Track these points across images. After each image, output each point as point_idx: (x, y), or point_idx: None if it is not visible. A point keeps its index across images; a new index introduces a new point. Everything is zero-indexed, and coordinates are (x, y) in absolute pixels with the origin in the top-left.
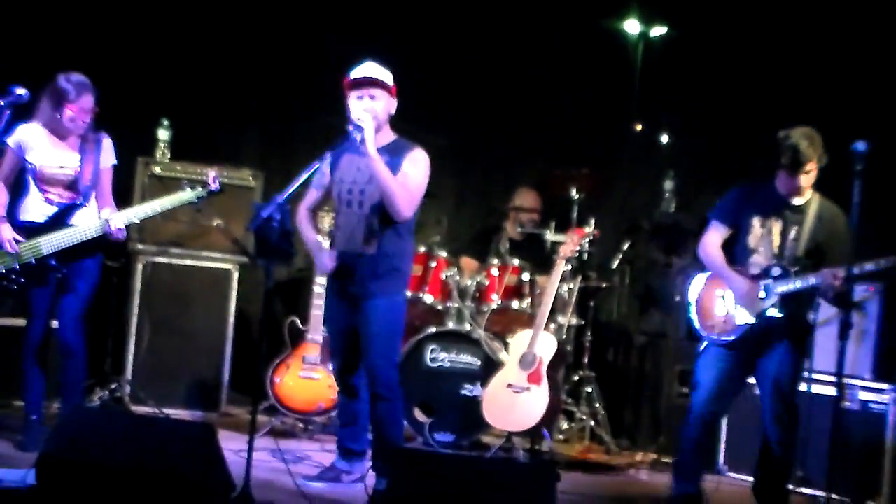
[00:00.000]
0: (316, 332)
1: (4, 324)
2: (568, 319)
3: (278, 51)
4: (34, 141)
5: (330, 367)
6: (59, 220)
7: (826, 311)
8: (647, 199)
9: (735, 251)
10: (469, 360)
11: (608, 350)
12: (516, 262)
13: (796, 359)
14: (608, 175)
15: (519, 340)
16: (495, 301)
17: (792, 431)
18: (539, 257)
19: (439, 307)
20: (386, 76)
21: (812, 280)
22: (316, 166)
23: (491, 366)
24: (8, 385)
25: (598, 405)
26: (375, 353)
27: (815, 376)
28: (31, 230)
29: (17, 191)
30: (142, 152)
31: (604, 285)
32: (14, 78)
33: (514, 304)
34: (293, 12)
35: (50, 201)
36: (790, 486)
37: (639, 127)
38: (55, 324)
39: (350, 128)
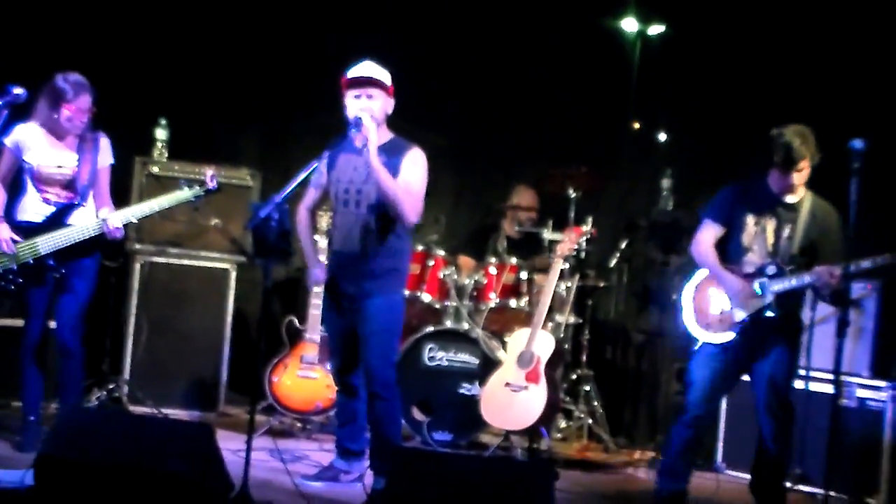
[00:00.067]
0: (314, 331)
1: (2, 324)
2: (566, 318)
3: (276, 50)
4: (32, 141)
5: (328, 366)
6: (57, 220)
7: (823, 309)
8: (644, 197)
9: (729, 250)
10: (467, 358)
11: (606, 348)
12: (514, 260)
13: (791, 356)
14: (606, 173)
15: (517, 339)
16: (493, 300)
17: (787, 429)
18: (537, 255)
19: (437, 306)
20: (383, 75)
21: (807, 278)
22: (314, 166)
23: (489, 364)
24: (6, 385)
25: (596, 404)
26: (373, 353)
27: (812, 374)
28: (28, 230)
29: (15, 191)
30: (139, 152)
31: (602, 284)
32: (11, 77)
33: (512, 303)
34: (292, 11)
35: (47, 201)
36: (788, 484)
37: (636, 125)
38: (53, 324)
39: (352, 130)
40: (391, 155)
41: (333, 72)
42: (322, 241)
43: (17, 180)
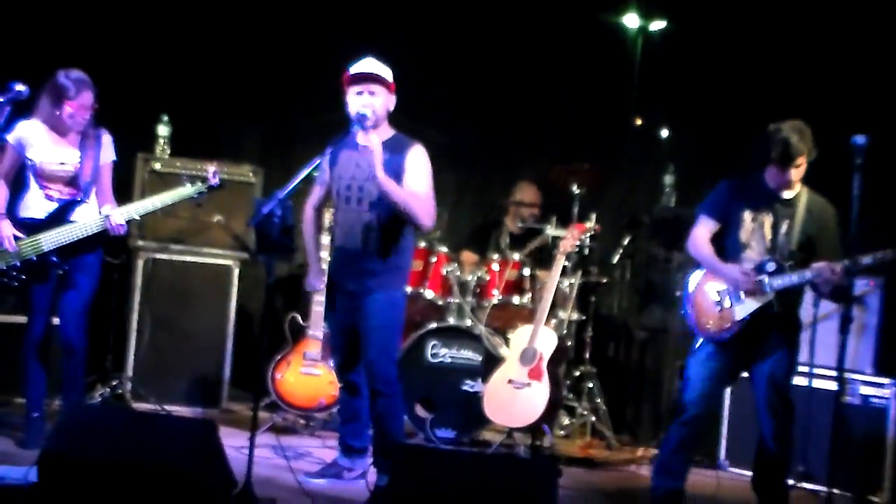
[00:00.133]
0: (317, 328)
1: (5, 321)
2: (569, 314)
3: (279, 47)
4: (34, 137)
5: (331, 363)
6: (60, 217)
7: (827, 306)
8: (647, 193)
9: (726, 246)
10: (470, 355)
11: (609, 345)
12: (517, 256)
13: (790, 354)
14: (608, 170)
15: (520, 336)
16: (496, 296)
17: (788, 427)
18: (539, 252)
19: (440, 302)
20: (385, 72)
21: (808, 274)
22: (317, 162)
23: (492, 361)
24: (9, 382)
25: (599, 400)
26: (374, 349)
27: (816, 371)
28: (31, 227)
29: (18, 187)
30: (142, 148)
31: (604, 280)
32: (14, 74)
33: (515, 300)
34: (294, 9)
35: (50, 198)
36: (791, 482)
37: (639, 122)
38: (56, 320)
39: (354, 126)
40: (393, 152)
41: (335, 69)
42: (327, 239)
43: (19, 177)
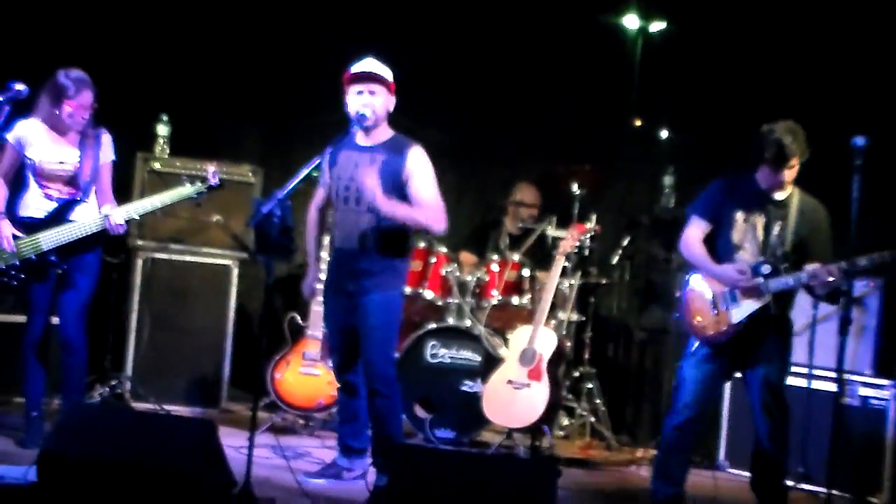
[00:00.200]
0: (316, 328)
1: (5, 320)
2: (568, 315)
3: (278, 47)
4: (33, 137)
5: (330, 363)
6: (59, 216)
7: (826, 307)
8: (646, 194)
9: (718, 247)
10: (469, 356)
11: (608, 346)
12: (516, 257)
13: (783, 355)
14: (608, 171)
15: (519, 336)
16: (495, 297)
17: (784, 427)
18: (539, 253)
19: (439, 303)
20: (386, 72)
21: (804, 276)
22: (316, 162)
23: (491, 362)
24: (8, 382)
25: (598, 401)
26: (372, 349)
27: (815, 372)
28: (30, 226)
29: (17, 187)
30: (141, 148)
31: (604, 281)
32: (13, 74)
33: (515, 300)
34: (294, 9)
35: (49, 197)
36: (791, 483)
37: (638, 122)
38: (56, 320)
39: (354, 126)
40: (392, 153)
41: (335, 69)
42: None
43: (18, 176)
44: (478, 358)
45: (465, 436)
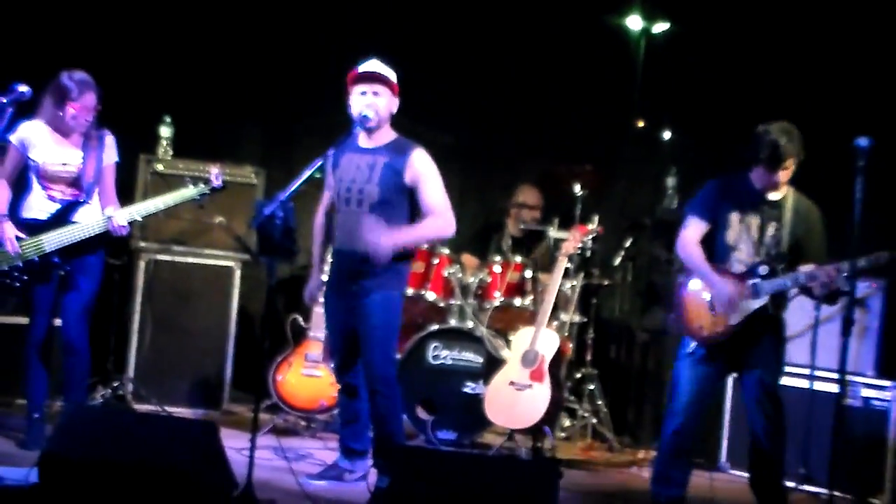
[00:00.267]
0: (318, 329)
1: (7, 322)
2: (570, 316)
3: (280, 48)
4: (37, 138)
5: (332, 364)
6: (62, 218)
7: (828, 308)
8: (649, 195)
9: (714, 248)
10: (471, 357)
11: (610, 347)
12: (518, 258)
13: (777, 355)
14: (610, 172)
15: (521, 338)
16: (497, 298)
17: (780, 425)
18: (541, 254)
19: (441, 304)
20: (390, 74)
21: (802, 277)
22: (318, 164)
23: (493, 363)
24: (10, 383)
25: (600, 403)
26: (372, 350)
27: (817, 373)
28: (33, 227)
29: (20, 188)
30: (144, 149)
31: (606, 282)
32: (17, 75)
33: (517, 302)
34: (296, 10)
35: (53, 198)
36: (793, 484)
37: (641, 123)
38: (58, 321)
39: (357, 127)
40: (394, 155)
41: (337, 70)
42: None
43: (22, 178)
44: (480, 359)
45: (466, 437)
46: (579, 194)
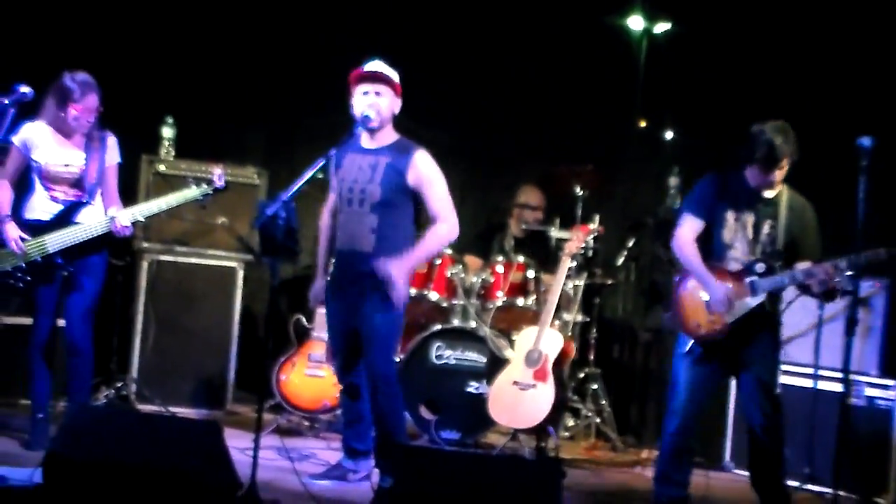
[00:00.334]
0: (321, 329)
1: (11, 322)
2: (573, 316)
3: (282, 49)
4: (39, 139)
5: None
6: (65, 218)
7: (832, 307)
8: (651, 195)
9: (709, 246)
10: (475, 357)
11: (613, 347)
12: (521, 259)
13: (774, 352)
14: (612, 172)
15: (524, 337)
16: (500, 298)
17: (778, 422)
18: (543, 254)
19: (444, 304)
20: (393, 74)
21: (799, 275)
22: (320, 164)
23: (496, 363)
24: (14, 383)
25: (603, 402)
26: (373, 349)
27: (821, 373)
28: (36, 228)
29: (23, 189)
30: (146, 150)
31: (609, 282)
32: (19, 76)
33: (520, 302)
34: (297, 10)
35: (55, 199)
36: (797, 483)
37: (643, 123)
38: (62, 322)
39: (358, 127)
40: (396, 156)
41: (339, 70)
42: None
43: (24, 179)
44: (483, 359)
45: (470, 437)
46: (581, 194)
